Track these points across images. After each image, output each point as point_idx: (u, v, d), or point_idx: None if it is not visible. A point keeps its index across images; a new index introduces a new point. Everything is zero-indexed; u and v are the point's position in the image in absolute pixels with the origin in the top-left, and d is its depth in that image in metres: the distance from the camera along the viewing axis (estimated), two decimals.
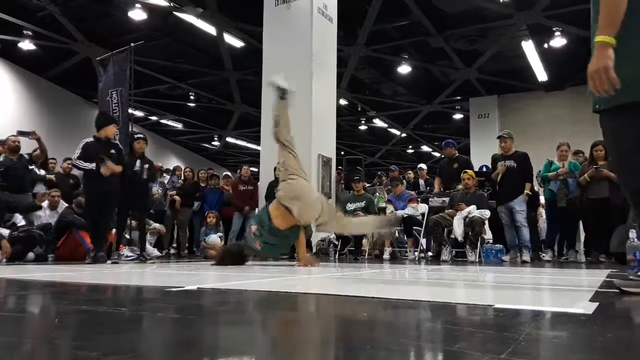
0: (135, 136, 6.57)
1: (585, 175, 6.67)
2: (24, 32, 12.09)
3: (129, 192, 6.22)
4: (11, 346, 1.20)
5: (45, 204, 7.20)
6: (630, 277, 2.31)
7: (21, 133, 6.93)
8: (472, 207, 6.71)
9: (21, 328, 1.55)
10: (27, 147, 7.42)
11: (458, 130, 19.69)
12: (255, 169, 11.16)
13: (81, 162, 5.77)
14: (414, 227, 7.48)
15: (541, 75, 14.02)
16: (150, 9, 10.96)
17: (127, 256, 6.30)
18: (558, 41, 11.87)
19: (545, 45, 12.41)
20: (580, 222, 7.32)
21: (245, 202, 8.61)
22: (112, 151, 6.03)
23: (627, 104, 2.00)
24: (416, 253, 7.34)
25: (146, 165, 6.47)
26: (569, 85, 14.31)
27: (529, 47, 12.55)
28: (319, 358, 1.13)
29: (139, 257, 6.40)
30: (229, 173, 10.15)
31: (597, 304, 1.85)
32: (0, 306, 2.11)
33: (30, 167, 7.23)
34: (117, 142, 6.39)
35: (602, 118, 2.15)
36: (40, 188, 7.62)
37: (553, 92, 14.91)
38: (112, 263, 5.71)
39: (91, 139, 5.94)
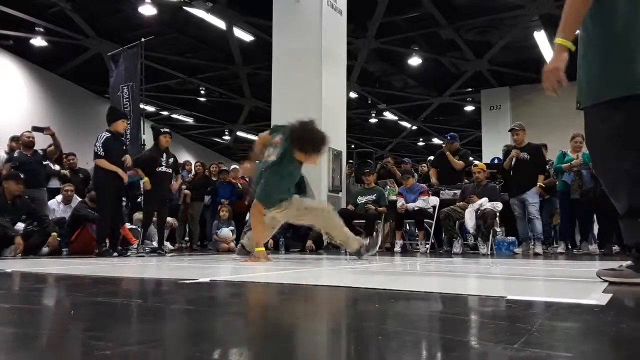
0: (162, 130, 6.66)
1: None
2: (36, 28, 12.21)
3: (156, 186, 6.36)
4: (28, 337, 1.22)
5: (59, 198, 7.29)
6: (614, 267, 2.31)
7: (35, 128, 7.01)
8: (484, 200, 6.67)
9: (37, 320, 1.58)
10: (41, 142, 7.51)
11: (469, 122, 19.56)
12: None
13: (106, 162, 5.87)
14: (425, 220, 7.46)
15: None
16: (159, 4, 11.00)
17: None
18: None
19: None
20: (594, 214, 7.25)
21: None
22: (124, 147, 6.25)
23: (601, 101, 2.20)
24: (427, 246, 7.33)
25: (171, 159, 6.57)
26: None
27: (541, 38, 12.40)
28: (331, 348, 1.14)
29: (157, 250, 6.47)
30: (237, 166, 10.17)
31: (610, 295, 1.84)
32: (17, 299, 2.15)
33: (45, 163, 7.32)
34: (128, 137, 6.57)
35: (584, 115, 2.34)
36: (54, 183, 7.72)
37: None
38: (138, 256, 5.90)
39: (108, 134, 6.01)
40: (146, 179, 6.30)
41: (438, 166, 8.24)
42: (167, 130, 6.73)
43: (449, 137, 8.44)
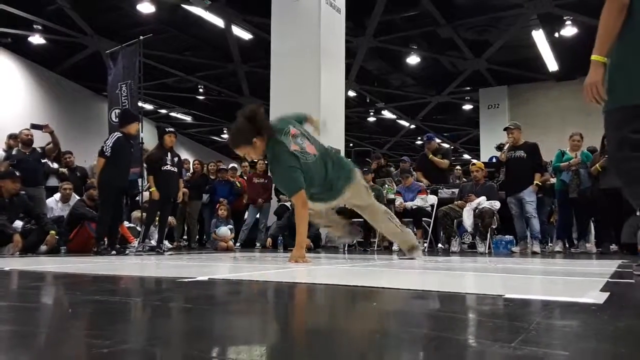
0: (167, 130, 6.70)
1: (597, 165, 6.62)
2: (34, 26, 12.17)
3: (163, 185, 6.38)
4: (26, 335, 1.22)
5: (57, 196, 7.28)
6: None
7: (34, 126, 7.00)
8: (482, 198, 6.69)
9: (35, 318, 1.58)
10: (40, 140, 7.49)
11: (467, 121, 19.57)
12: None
13: (103, 163, 5.86)
14: (423, 219, 7.46)
15: (552, 65, 13.86)
16: (158, 1, 10.97)
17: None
18: (569, 30, 11.72)
19: (556, 35, 12.26)
20: (592, 213, 7.26)
21: (259, 194, 8.68)
22: (132, 150, 6.25)
23: (613, 108, 2.34)
24: (425, 244, 7.33)
25: (176, 158, 6.62)
26: (580, 75, 14.12)
27: (539, 37, 12.41)
28: (329, 347, 1.14)
29: (156, 249, 6.48)
30: (235, 165, 10.16)
31: (608, 294, 1.84)
32: (15, 297, 2.15)
33: (43, 161, 7.31)
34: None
35: (604, 118, 2.45)
36: (53, 181, 7.71)
37: (564, 82, 14.75)
38: (136, 254, 5.93)
39: (119, 134, 6.02)
40: (153, 189, 6.34)
41: (422, 169, 8.25)
42: (172, 130, 6.78)
43: (426, 138, 8.48)
